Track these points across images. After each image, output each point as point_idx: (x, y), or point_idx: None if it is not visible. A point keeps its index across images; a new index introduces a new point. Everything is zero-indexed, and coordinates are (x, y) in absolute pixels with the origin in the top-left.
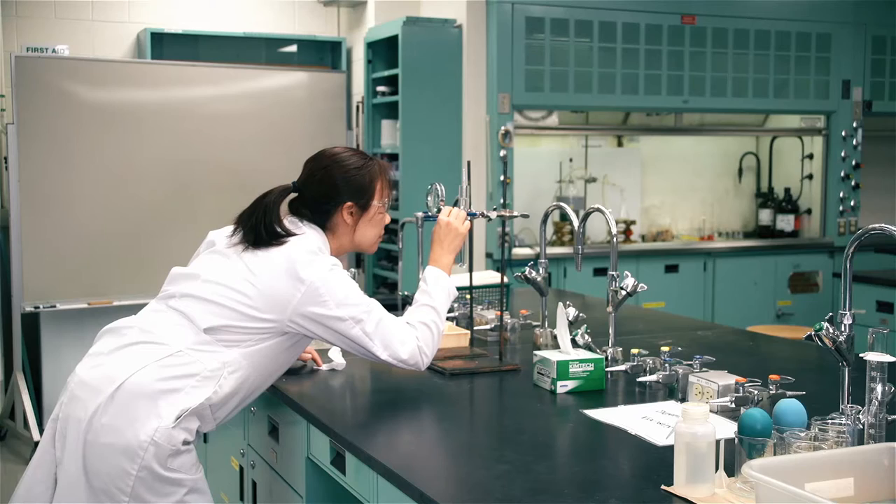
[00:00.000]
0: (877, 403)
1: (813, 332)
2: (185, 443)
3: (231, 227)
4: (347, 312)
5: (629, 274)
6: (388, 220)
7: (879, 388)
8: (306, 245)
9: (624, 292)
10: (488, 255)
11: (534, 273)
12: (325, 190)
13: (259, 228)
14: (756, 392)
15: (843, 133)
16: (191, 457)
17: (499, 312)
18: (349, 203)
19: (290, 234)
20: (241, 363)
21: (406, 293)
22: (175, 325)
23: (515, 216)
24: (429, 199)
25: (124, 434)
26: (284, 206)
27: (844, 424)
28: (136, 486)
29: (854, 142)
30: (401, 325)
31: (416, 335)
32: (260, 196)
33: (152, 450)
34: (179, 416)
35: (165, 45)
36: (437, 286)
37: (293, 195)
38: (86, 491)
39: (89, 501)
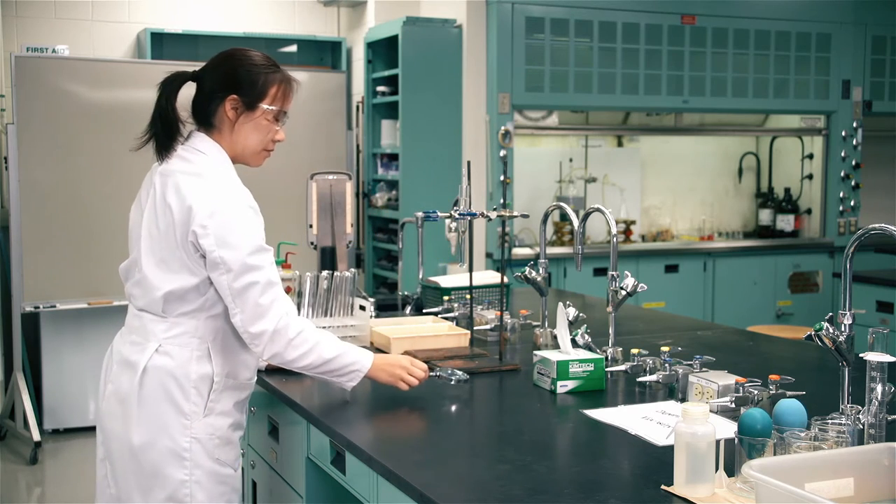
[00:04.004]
0: (877, 403)
1: (813, 332)
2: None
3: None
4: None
5: (629, 274)
6: (280, 136)
7: (879, 388)
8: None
9: (624, 292)
10: (488, 255)
11: (534, 273)
12: (219, 78)
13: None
14: (756, 392)
15: (843, 133)
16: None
17: (499, 312)
18: (234, 96)
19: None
20: (208, 326)
21: (406, 293)
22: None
23: (515, 216)
24: None
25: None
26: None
27: (844, 424)
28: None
29: (854, 142)
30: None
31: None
32: (160, 92)
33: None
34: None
35: (165, 45)
36: (353, 355)
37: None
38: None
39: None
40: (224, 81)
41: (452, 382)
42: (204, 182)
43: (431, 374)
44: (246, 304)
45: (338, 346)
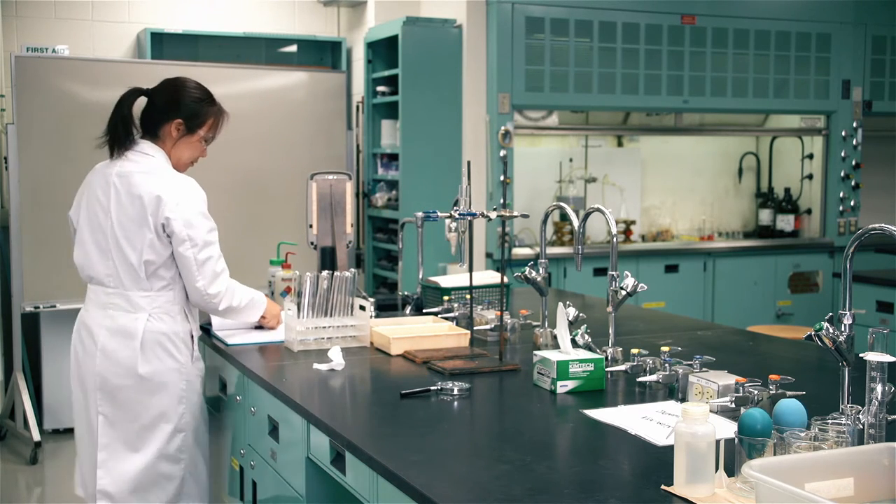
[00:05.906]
0: (877, 403)
1: (813, 332)
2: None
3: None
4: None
5: (629, 274)
6: (204, 155)
7: (879, 388)
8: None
9: (624, 292)
10: (488, 255)
11: (534, 273)
12: (168, 102)
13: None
14: (756, 392)
15: (843, 133)
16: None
17: (499, 312)
18: (179, 120)
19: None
20: (181, 294)
21: (406, 293)
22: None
23: (515, 216)
24: None
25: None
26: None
27: (844, 424)
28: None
29: (854, 142)
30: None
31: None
32: (117, 105)
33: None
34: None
35: (165, 45)
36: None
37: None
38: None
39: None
40: (172, 106)
41: (456, 392)
42: (159, 178)
43: (433, 388)
44: (206, 272)
45: (245, 289)
